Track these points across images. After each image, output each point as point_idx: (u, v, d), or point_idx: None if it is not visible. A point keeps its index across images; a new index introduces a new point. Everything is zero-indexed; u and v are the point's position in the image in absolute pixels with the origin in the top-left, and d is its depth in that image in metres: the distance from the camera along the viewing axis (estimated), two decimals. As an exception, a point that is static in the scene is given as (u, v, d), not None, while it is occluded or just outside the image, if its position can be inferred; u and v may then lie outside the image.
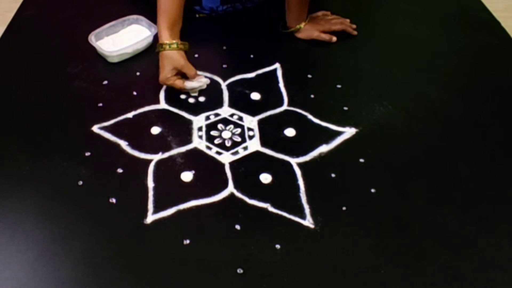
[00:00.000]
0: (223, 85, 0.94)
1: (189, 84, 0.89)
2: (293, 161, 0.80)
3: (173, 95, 0.91)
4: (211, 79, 0.95)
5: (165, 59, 0.88)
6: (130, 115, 0.87)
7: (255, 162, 0.80)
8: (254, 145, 0.83)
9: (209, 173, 0.78)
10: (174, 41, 0.88)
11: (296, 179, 0.77)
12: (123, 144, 0.82)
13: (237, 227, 0.70)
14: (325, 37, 1.03)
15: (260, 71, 0.97)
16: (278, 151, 0.81)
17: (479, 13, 1.15)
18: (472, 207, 0.74)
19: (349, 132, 0.85)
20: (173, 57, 0.88)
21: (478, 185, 0.78)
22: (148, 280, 0.64)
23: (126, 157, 0.80)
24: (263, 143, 0.83)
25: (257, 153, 0.81)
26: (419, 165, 0.80)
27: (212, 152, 0.81)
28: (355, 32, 1.05)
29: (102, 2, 1.15)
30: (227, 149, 0.81)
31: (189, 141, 0.83)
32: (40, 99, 0.90)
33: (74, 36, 1.03)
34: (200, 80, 0.90)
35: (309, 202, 0.74)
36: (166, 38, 0.88)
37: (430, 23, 1.13)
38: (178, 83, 0.88)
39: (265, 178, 0.77)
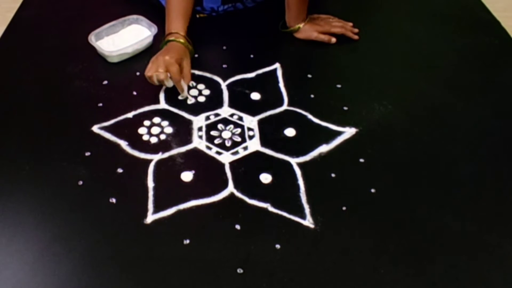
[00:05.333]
0: (223, 85, 0.94)
1: (170, 83, 0.88)
2: (293, 161, 0.80)
3: (173, 95, 0.91)
4: (211, 79, 0.95)
5: (177, 50, 0.89)
6: (130, 115, 0.87)
7: (255, 162, 0.80)
8: (254, 145, 0.83)
9: (209, 173, 0.78)
10: (190, 44, 0.93)
11: (296, 179, 0.77)
12: (123, 144, 0.82)
13: (237, 227, 0.70)
14: (324, 38, 1.03)
15: (260, 71, 0.97)
16: (278, 151, 0.81)
17: (479, 13, 1.15)
18: (472, 207, 0.74)
19: (349, 132, 0.85)
20: (184, 50, 0.91)
21: (478, 185, 0.78)
22: (148, 280, 0.64)
23: (126, 157, 0.80)
24: (263, 143, 0.83)
25: (257, 153, 0.81)
26: (419, 165, 0.80)
27: (212, 152, 0.81)
28: (356, 37, 1.05)
29: (102, 2, 1.15)
30: (227, 149, 0.81)
31: (189, 141, 0.83)
32: (40, 99, 0.90)
33: (74, 36, 1.03)
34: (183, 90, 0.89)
35: (309, 202, 0.74)
36: (183, 31, 0.92)
37: (430, 23, 1.13)
38: (163, 76, 0.85)
39: (265, 178, 0.77)
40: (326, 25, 1.04)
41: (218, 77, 0.96)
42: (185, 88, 0.88)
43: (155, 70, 0.85)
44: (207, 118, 0.87)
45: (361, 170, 0.79)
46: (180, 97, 0.90)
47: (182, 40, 0.91)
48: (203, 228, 0.70)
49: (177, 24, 0.92)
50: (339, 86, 0.95)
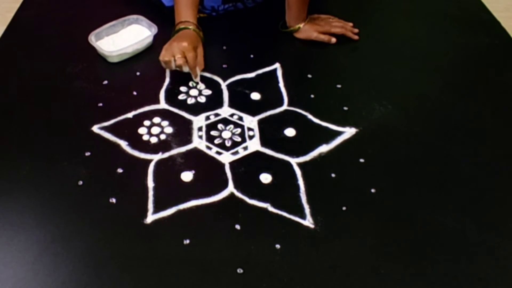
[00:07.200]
0: (223, 85, 0.94)
1: (186, 69, 0.91)
2: (293, 161, 0.80)
3: (173, 95, 0.91)
4: (211, 79, 0.95)
5: (191, 37, 0.91)
6: (130, 115, 0.87)
7: (255, 162, 0.80)
8: (254, 145, 0.83)
9: (209, 173, 0.78)
10: (201, 34, 0.95)
11: (296, 179, 0.77)
12: (123, 144, 0.82)
13: (237, 227, 0.70)
14: (324, 38, 1.03)
15: (260, 71, 0.97)
16: (278, 151, 0.81)
17: (479, 13, 1.15)
18: (472, 207, 0.74)
19: (349, 132, 0.85)
20: (196, 38, 0.93)
21: (478, 185, 0.78)
22: (148, 280, 0.64)
23: (126, 157, 0.80)
24: (263, 143, 0.83)
25: (257, 153, 0.81)
26: (419, 165, 0.80)
27: (212, 152, 0.81)
28: (356, 37, 1.05)
29: (102, 2, 1.15)
30: (227, 149, 0.81)
31: (189, 141, 0.83)
32: (40, 99, 0.90)
33: (74, 36, 1.03)
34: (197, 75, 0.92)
35: (309, 202, 0.74)
36: (193, 19, 0.94)
37: (430, 23, 1.13)
38: (181, 61, 0.88)
39: (265, 178, 0.77)
40: (326, 25, 1.04)
41: (218, 77, 0.96)
42: (199, 74, 0.92)
43: (172, 55, 0.88)
44: (207, 118, 0.87)
45: (361, 170, 0.79)
46: (194, 81, 0.93)
47: (193, 28, 0.93)
48: (203, 228, 0.70)
49: (186, 13, 0.95)
50: (339, 86, 0.95)
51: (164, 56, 0.89)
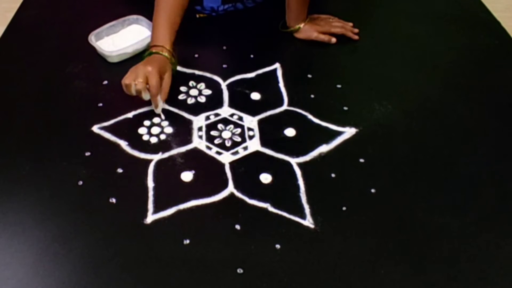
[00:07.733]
0: (223, 85, 0.94)
1: (146, 96, 0.83)
2: (293, 161, 0.80)
3: (172, 95, 0.91)
4: (211, 79, 0.95)
5: (160, 62, 0.84)
6: (130, 115, 0.87)
7: (255, 162, 0.80)
8: (254, 145, 0.83)
9: (209, 173, 0.78)
10: (174, 59, 0.88)
11: (296, 179, 0.77)
12: (123, 144, 0.82)
13: (237, 227, 0.70)
14: (324, 38, 1.03)
15: (260, 71, 0.97)
16: (278, 151, 0.81)
17: (479, 13, 1.15)
18: (472, 207, 0.74)
19: (349, 132, 0.85)
20: (167, 64, 0.85)
21: (478, 185, 0.78)
22: (148, 280, 0.64)
23: (126, 157, 0.80)
24: (263, 143, 0.83)
25: (257, 153, 0.81)
26: (419, 165, 0.80)
27: (212, 152, 0.81)
28: (356, 37, 1.05)
29: (102, 2, 1.15)
30: (227, 149, 0.81)
31: (189, 141, 0.83)
32: (40, 99, 0.90)
33: (74, 36, 1.03)
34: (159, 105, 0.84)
35: (309, 202, 0.74)
36: (169, 44, 0.87)
37: (430, 23, 1.13)
38: (141, 86, 0.81)
39: (265, 178, 0.77)
40: (326, 25, 1.04)
41: (218, 77, 0.95)
42: (161, 104, 0.85)
43: (134, 79, 0.81)
44: (207, 118, 0.87)
45: (361, 170, 0.79)
46: (156, 111, 0.86)
47: (166, 54, 0.86)
48: (203, 228, 0.70)
49: (163, 37, 0.87)
50: (339, 86, 0.95)
51: (125, 78, 0.81)
